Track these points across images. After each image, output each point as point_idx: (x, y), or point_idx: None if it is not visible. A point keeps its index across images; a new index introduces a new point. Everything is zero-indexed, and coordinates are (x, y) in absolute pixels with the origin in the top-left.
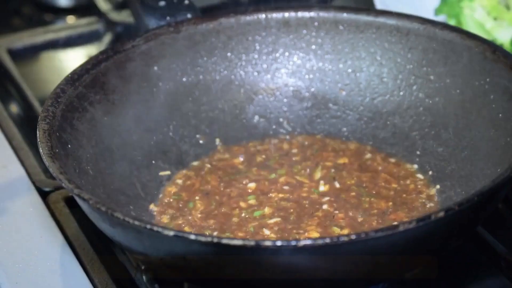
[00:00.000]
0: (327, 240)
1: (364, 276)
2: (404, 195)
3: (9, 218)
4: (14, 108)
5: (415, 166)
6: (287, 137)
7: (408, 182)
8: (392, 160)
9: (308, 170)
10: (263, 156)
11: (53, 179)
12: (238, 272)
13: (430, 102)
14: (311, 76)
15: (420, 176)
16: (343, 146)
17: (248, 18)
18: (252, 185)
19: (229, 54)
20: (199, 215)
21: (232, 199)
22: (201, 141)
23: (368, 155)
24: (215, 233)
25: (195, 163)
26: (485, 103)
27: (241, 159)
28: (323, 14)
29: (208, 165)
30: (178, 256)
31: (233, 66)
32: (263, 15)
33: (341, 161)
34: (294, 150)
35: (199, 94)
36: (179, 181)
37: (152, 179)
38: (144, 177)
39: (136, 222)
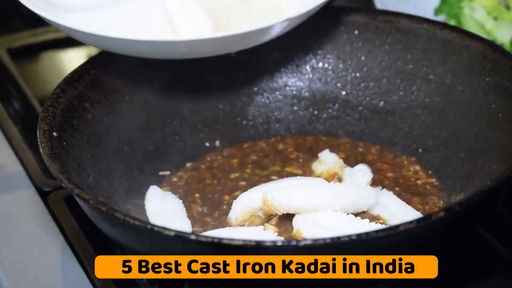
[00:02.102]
0: (328, 240)
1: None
2: (402, 181)
3: (9, 218)
4: (14, 108)
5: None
6: (286, 137)
7: (404, 171)
8: (390, 155)
9: (301, 161)
10: (260, 154)
11: (53, 179)
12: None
13: (430, 102)
14: (311, 76)
15: (416, 167)
16: (339, 143)
17: None
18: (243, 183)
19: (229, 54)
20: (196, 214)
21: (223, 195)
22: (200, 141)
23: (365, 150)
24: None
25: (194, 163)
26: (485, 103)
27: (238, 159)
28: (323, 14)
29: (206, 165)
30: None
31: (233, 66)
32: None
33: (339, 156)
34: (291, 149)
35: (199, 94)
36: (177, 181)
37: (152, 179)
38: (144, 177)
39: (136, 222)
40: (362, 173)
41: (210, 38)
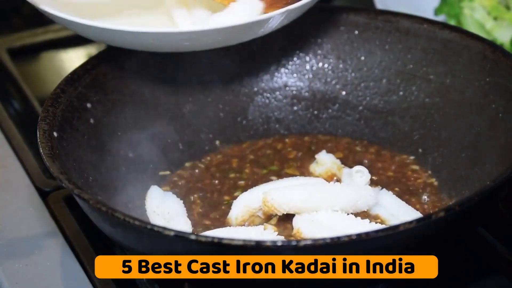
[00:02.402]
0: (328, 240)
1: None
2: (402, 181)
3: (9, 219)
4: (14, 108)
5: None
6: (285, 137)
7: (404, 171)
8: (390, 154)
9: (301, 161)
10: (259, 154)
11: (53, 179)
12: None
13: (430, 102)
14: (311, 76)
15: (415, 167)
16: (339, 143)
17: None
18: (242, 182)
19: (229, 54)
20: (196, 214)
21: (223, 195)
22: (200, 141)
23: (365, 150)
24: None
25: (194, 163)
26: (485, 103)
27: (238, 159)
28: (323, 14)
29: (206, 165)
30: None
31: (233, 66)
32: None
33: (337, 156)
34: (290, 149)
35: (199, 94)
36: (177, 181)
37: (152, 179)
38: (143, 177)
39: (136, 222)
40: (361, 174)
41: (209, 29)
